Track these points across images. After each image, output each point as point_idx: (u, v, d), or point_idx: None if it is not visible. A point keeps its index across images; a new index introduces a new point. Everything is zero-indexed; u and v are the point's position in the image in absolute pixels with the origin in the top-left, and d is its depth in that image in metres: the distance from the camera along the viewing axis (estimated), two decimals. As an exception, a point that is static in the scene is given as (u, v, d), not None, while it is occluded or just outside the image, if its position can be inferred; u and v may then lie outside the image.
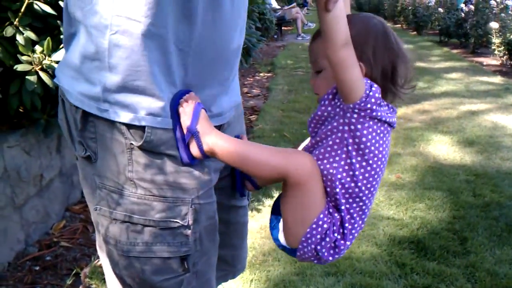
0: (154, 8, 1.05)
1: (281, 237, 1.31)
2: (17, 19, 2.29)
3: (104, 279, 2.48)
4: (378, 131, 1.19)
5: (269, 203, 3.55)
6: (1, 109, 2.51)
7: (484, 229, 3.29)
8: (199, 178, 1.21)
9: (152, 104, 1.12)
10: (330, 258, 1.25)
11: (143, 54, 1.08)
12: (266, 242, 3.04)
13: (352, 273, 2.74)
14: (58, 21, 2.47)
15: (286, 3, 16.99)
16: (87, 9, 1.09)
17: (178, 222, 1.18)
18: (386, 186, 3.93)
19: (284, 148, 1.27)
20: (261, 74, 8.90)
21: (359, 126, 1.16)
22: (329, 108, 1.19)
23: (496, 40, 9.74)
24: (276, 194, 3.55)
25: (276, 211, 1.34)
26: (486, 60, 10.51)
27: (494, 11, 10.94)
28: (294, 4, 15.54)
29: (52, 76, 2.32)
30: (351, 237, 1.25)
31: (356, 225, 1.25)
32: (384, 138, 1.21)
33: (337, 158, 1.19)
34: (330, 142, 1.19)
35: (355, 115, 1.16)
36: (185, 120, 1.15)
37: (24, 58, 2.30)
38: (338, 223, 1.22)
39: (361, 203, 1.23)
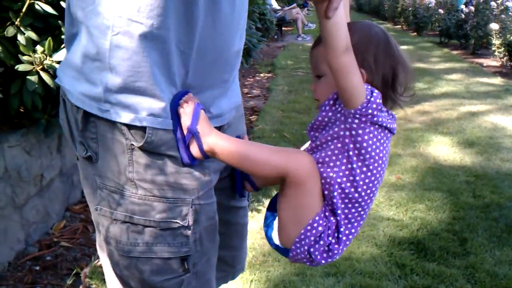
0: (156, 11, 1.05)
1: (275, 236, 1.31)
2: (18, 19, 2.30)
3: (104, 279, 2.48)
4: (379, 137, 1.19)
5: (269, 203, 3.55)
6: (2, 109, 2.52)
7: (484, 230, 3.29)
8: (199, 178, 1.21)
9: (153, 105, 1.12)
10: (323, 261, 1.25)
11: (144, 55, 1.08)
12: (266, 243, 3.03)
13: (352, 274, 2.74)
14: (59, 21, 2.47)
15: (286, 3, 16.99)
16: (89, 9, 1.10)
17: (179, 223, 1.18)
18: (386, 187, 3.94)
19: (284, 147, 1.27)
20: (261, 75, 8.90)
21: (360, 132, 1.17)
22: (330, 114, 1.20)
23: (496, 41, 9.75)
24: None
25: (272, 208, 1.34)
26: (486, 61, 10.52)
27: (494, 12, 10.95)
28: (295, 4, 15.55)
29: (53, 76, 2.33)
30: (347, 242, 1.25)
31: (353, 230, 1.26)
32: (384, 144, 1.22)
33: (337, 163, 1.19)
34: (332, 147, 1.20)
35: (356, 121, 1.16)
36: (186, 120, 1.16)
37: (25, 58, 2.31)
38: (334, 227, 1.22)
39: (359, 208, 1.24)
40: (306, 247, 1.23)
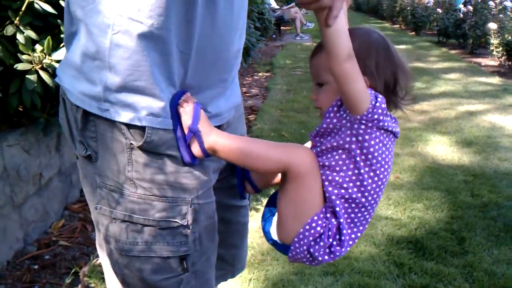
0: (157, 10, 1.05)
1: (273, 231, 1.32)
2: (17, 18, 2.30)
3: (103, 278, 2.49)
4: (384, 142, 1.20)
5: (267, 202, 3.55)
6: (1, 108, 2.52)
7: (482, 229, 3.30)
8: (199, 178, 1.21)
9: (153, 104, 1.12)
10: (326, 257, 1.25)
11: (144, 55, 1.08)
12: (264, 242, 3.03)
13: (350, 273, 2.74)
14: (59, 20, 2.47)
15: (285, 3, 16.99)
16: (89, 8, 1.10)
17: (178, 222, 1.18)
18: (385, 186, 3.93)
19: (285, 143, 1.28)
20: (260, 74, 8.90)
21: (366, 137, 1.17)
22: (335, 120, 1.20)
23: (494, 40, 9.76)
24: (274, 194, 3.56)
25: (271, 204, 1.35)
26: (484, 61, 10.53)
27: (492, 12, 10.96)
28: (293, 4, 15.54)
29: (52, 75, 2.33)
30: (351, 242, 1.26)
31: (358, 234, 1.27)
32: (390, 148, 1.23)
33: (344, 168, 1.20)
34: (339, 152, 1.20)
35: (363, 126, 1.16)
36: (186, 120, 1.16)
37: (24, 57, 2.31)
38: (335, 229, 1.23)
39: (365, 212, 1.25)
40: (305, 247, 1.24)
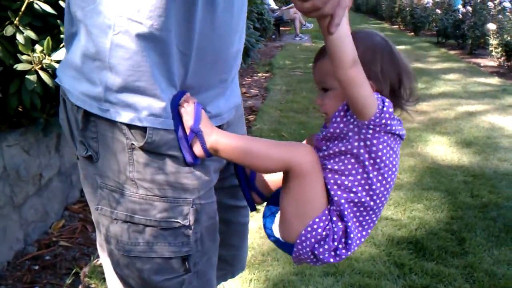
0: (157, 11, 1.05)
1: (275, 228, 1.31)
2: (17, 18, 2.29)
3: (103, 278, 2.49)
4: (392, 145, 1.20)
5: (267, 203, 3.55)
6: (0, 108, 2.51)
7: (482, 229, 3.30)
8: (200, 178, 1.21)
9: (154, 105, 1.12)
10: (331, 260, 1.25)
11: (144, 56, 1.08)
12: (265, 242, 3.05)
13: (351, 273, 2.74)
14: (58, 21, 2.47)
15: (284, 3, 16.99)
16: (89, 8, 1.09)
17: (180, 222, 1.18)
18: (384, 186, 3.93)
19: (286, 141, 1.28)
20: (259, 74, 8.90)
21: (374, 141, 1.17)
22: (341, 125, 1.19)
23: (493, 41, 9.78)
24: (274, 194, 3.55)
25: (274, 202, 1.34)
26: (483, 61, 10.55)
27: (491, 13, 10.98)
28: (292, 4, 15.54)
29: (52, 75, 2.33)
30: (358, 242, 1.26)
31: (364, 233, 1.27)
32: (397, 151, 1.23)
33: (353, 172, 1.20)
34: (348, 156, 1.19)
35: (370, 131, 1.16)
36: (188, 120, 1.16)
37: (24, 57, 2.30)
38: (341, 232, 1.22)
39: (373, 215, 1.25)
40: (308, 249, 1.23)
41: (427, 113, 6.27)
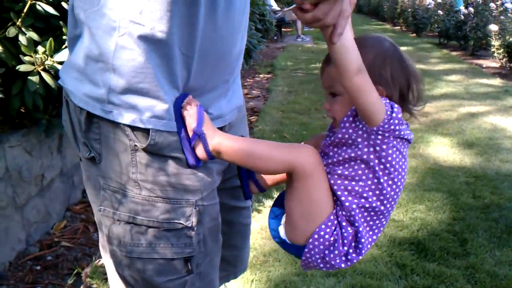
0: (158, 14, 1.06)
1: (281, 230, 1.31)
2: (19, 20, 2.30)
3: (105, 278, 2.49)
4: (401, 149, 1.21)
5: (269, 204, 3.56)
6: (3, 109, 2.52)
7: (484, 230, 3.30)
8: (202, 179, 1.21)
9: (157, 107, 1.12)
10: (343, 265, 1.25)
11: (147, 58, 1.08)
12: (266, 243, 3.05)
13: (352, 274, 2.74)
14: (61, 22, 2.47)
15: (286, 4, 16.99)
16: (93, 10, 1.10)
17: (182, 224, 1.18)
18: (386, 187, 3.93)
19: (288, 143, 1.28)
20: (261, 76, 8.90)
21: (384, 147, 1.17)
22: (350, 131, 1.19)
23: (495, 42, 9.77)
24: (276, 195, 3.56)
25: (279, 204, 1.34)
26: (485, 63, 10.54)
27: (493, 14, 10.97)
28: (294, 5, 15.53)
29: (54, 76, 2.33)
30: (369, 246, 1.26)
31: (374, 237, 1.27)
32: (406, 155, 1.24)
33: (364, 178, 1.20)
34: (357, 162, 1.20)
35: (380, 137, 1.17)
36: (191, 122, 1.16)
37: (26, 58, 2.31)
38: (350, 237, 1.22)
39: (382, 219, 1.25)
40: (317, 256, 1.24)
41: (429, 114, 6.27)
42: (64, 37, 2.49)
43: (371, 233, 1.25)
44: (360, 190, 1.20)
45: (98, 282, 2.55)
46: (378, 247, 3.06)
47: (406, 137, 1.20)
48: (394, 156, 1.19)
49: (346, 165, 1.21)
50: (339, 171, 1.21)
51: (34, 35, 2.34)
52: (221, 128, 1.30)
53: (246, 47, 5.08)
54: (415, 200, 3.75)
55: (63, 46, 2.43)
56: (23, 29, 2.31)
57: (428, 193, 3.89)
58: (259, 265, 2.83)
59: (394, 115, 1.15)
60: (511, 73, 9.27)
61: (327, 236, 1.21)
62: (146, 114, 1.12)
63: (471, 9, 12.15)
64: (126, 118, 1.12)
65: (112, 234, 1.20)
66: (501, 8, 10.84)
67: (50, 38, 2.35)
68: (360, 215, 1.21)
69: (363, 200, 1.20)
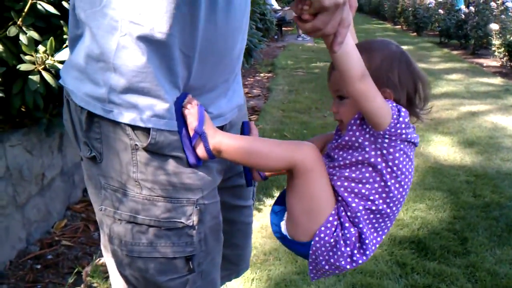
0: (159, 15, 1.06)
1: (283, 225, 1.31)
2: (20, 19, 2.30)
3: (105, 277, 2.50)
4: (408, 152, 1.21)
5: (270, 202, 3.56)
6: (3, 109, 2.52)
7: (484, 229, 3.30)
8: (203, 178, 1.22)
9: (157, 106, 1.12)
10: (348, 267, 1.25)
11: (148, 58, 1.09)
12: (267, 242, 3.05)
13: (352, 273, 2.74)
14: (61, 21, 2.48)
15: (286, 4, 16.99)
16: (94, 10, 1.10)
17: (183, 223, 1.19)
18: (387, 186, 3.93)
19: (288, 140, 1.28)
20: (262, 75, 8.91)
21: (391, 150, 1.18)
22: (357, 133, 1.20)
23: (496, 41, 9.77)
24: (277, 194, 3.56)
25: (281, 202, 1.35)
26: (486, 62, 10.54)
27: (494, 13, 10.96)
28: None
29: (55, 75, 2.33)
30: (373, 248, 1.26)
31: (379, 239, 1.28)
32: (412, 158, 1.24)
33: (371, 180, 1.20)
34: (365, 165, 1.20)
35: (387, 140, 1.17)
36: (192, 122, 1.16)
37: (27, 57, 2.31)
38: (353, 238, 1.22)
39: (387, 220, 1.26)
40: (321, 258, 1.24)
41: (430, 113, 6.25)
42: (64, 36, 2.49)
43: (375, 234, 1.26)
44: (367, 193, 1.20)
45: (99, 281, 2.55)
46: (378, 245, 3.05)
47: (412, 140, 1.21)
48: (401, 159, 1.19)
49: (353, 168, 1.21)
50: (346, 174, 1.22)
51: (34, 35, 2.34)
52: (221, 127, 1.30)
53: (247, 46, 5.07)
54: (416, 199, 3.75)
55: (64, 46, 2.43)
56: (23, 28, 2.32)
57: (428, 192, 3.89)
58: (259, 264, 2.84)
59: (401, 119, 1.16)
60: (512, 72, 9.28)
61: (327, 238, 1.22)
62: (146, 113, 1.12)
63: (472, 8, 12.15)
64: (127, 117, 1.12)
65: (113, 233, 1.21)
66: (502, 7, 10.82)
67: (51, 38, 2.35)
68: (365, 217, 1.22)
69: (369, 203, 1.21)
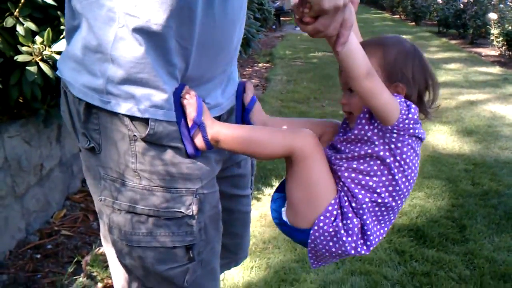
0: (155, 6, 1.05)
1: (284, 212, 1.32)
2: (17, 10, 2.29)
3: (105, 266, 2.51)
4: (415, 148, 1.22)
5: (269, 192, 3.57)
6: (1, 100, 2.52)
7: (482, 217, 3.32)
8: (201, 168, 1.22)
9: (156, 96, 1.12)
10: (353, 252, 1.25)
11: (147, 49, 1.08)
12: (266, 230, 3.06)
13: (351, 260, 2.76)
14: (59, 12, 2.46)
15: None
16: (90, 1, 1.09)
17: (183, 212, 1.19)
18: (385, 175, 3.94)
19: (286, 128, 1.28)
20: (260, 65, 8.89)
21: (399, 145, 1.19)
22: (366, 127, 1.20)
23: (494, 30, 9.76)
24: (276, 183, 3.57)
25: (279, 190, 1.35)
26: (484, 51, 10.53)
27: (492, 2, 10.97)
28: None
29: (52, 66, 2.33)
30: (377, 239, 1.27)
31: (381, 231, 1.28)
32: (418, 153, 1.25)
33: (378, 173, 1.21)
34: (373, 158, 1.21)
35: (395, 135, 1.18)
36: (191, 112, 1.17)
37: (24, 48, 2.30)
38: (356, 228, 1.23)
39: (392, 214, 1.27)
40: (320, 247, 1.25)
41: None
42: (62, 27, 2.49)
43: (378, 227, 1.26)
44: (374, 185, 1.21)
45: (98, 270, 2.56)
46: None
47: (420, 136, 1.22)
48: (409, 154, 1.20)
49: (361, 161, 1.22)
50: (354, 165, 1.22)
51: (32, 25, 2.33)
52: (219, 118, 1.30)
53: (245, 36, 5.05)
54: (414, 187, 3.75)
55: (61, 36, 2.42)
56: (20, 19, 2.30)
57: (427, 180, 3.90)
58: (258, 252, 2.85)
59: (410, 115, 1.17)
60: (510, 61, 9.27)
61: (326, 227, 1.22)
62: (144, 104, 1.12)
63: (471, -3, 12.13)
64: (124, 107, 1.12)
65: (112, 223, 1.21)
66: (501, -4, 10.81)
67: (48, 28, 2.34)
68: (371, 209, 1.23)
69: (375, 195, 1.22)
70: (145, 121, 1.13)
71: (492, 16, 9.88)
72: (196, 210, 1.20)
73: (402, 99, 1.18)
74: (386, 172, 1.21)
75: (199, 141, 1.19)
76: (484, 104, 6.24)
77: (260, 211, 3.31)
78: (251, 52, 8.68)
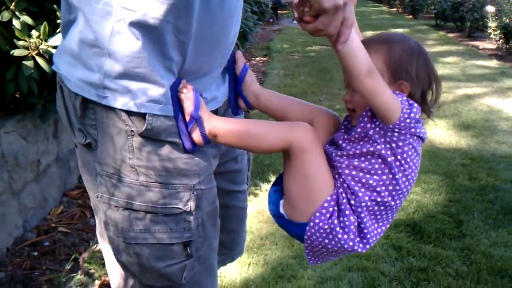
0: (153, 1, 1.05)
1: (281, 205, 1.31)
2: (13, 4, 2.28)
3: (102, 263, 2.50)
4: (416, 147, 1.22)
5: (266, 187, 3.57)
6: (-3, 95, 2.51)
7: (479, 212, 3.32)
8: (199, 164, 1.21)
9: (153, 91, 1.12)
10: (351, 243, 1.24)
11: (144, 43, 1.07)
12: (263, 226, 3.06)
13: (349, 256, 2.76)
14: (55, 6, 2.45)
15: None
16: None
17: (180, 208, 1.18)
18: (383, 170, 3.95)
19: (283, 121, 1.28)
20: (257, 59, 8.87)
21: (400, 144, 1.18)
22: (368, 126, 1.20)
23: (492, 24, 9.74)
24: (273, 179, 3.57)
25: (277, 183, 1.35)
26: (482, 44, 10.52)
27: (490, -5, 10.93)
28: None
29: (49, 61, 2.31)
30: (374, 238, 1.27)
31: (379, 230, 1.28)
32: (419, 153, 1.24)
33: (379, 172, 1.21)
34: (375, 156, 1.20)
35: (396, 134, 1.18)
36: (189, 106, 1.16)
37: (20, 43, 2.29)
38: (352, 226, 1.23)
39: (390, 213, 1.27)
40: (316, 243, 1.25)
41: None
42: (58, 21, 2.47)
43: (376, 225, 1.26)
44: (374, 184, 1.21)
45: (96, 267, 2.56)
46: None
47: (421, 135, 1.22)
48: (410, 153, 1.20)
49: (362, 158, 1.22)
50: (355, 163, 1.22)
51: (28, 19, 2.32)
52: (216, 111, 1.30)
53: (242, 30, 5.01)
54: (411, 183, 3.75)
55: (58, 30, 2.41)
56: (16, 13, 2.29)
57: (424, 175, 3.90)
58: (256, 248, 2.85)
59: (412, 115, 1.16)
60: (508, 55, 9.27)
61: (321, 224, 1.22)
62: (141, 98, 1.11)
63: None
64: (121, 102, 1.11)
65: (109, 220, 1.20)
66: (498, -11, 10.79)
67: (44, 22, 2.33)
68: (370, 208, 1.22)
69: (375, 194, 1.21)
70: (142, 116, 1.12)
71: (490, 9, 9.86)
72: (194, 206, 1.20)
73: (405, 98, 1.18)
74: (386, 171, 1.20)
75: (196, 135, 1.18)
76: (481, 98, 6.24)
77: (257, 207, 3.30)
78: (248, 46, 8.65)
